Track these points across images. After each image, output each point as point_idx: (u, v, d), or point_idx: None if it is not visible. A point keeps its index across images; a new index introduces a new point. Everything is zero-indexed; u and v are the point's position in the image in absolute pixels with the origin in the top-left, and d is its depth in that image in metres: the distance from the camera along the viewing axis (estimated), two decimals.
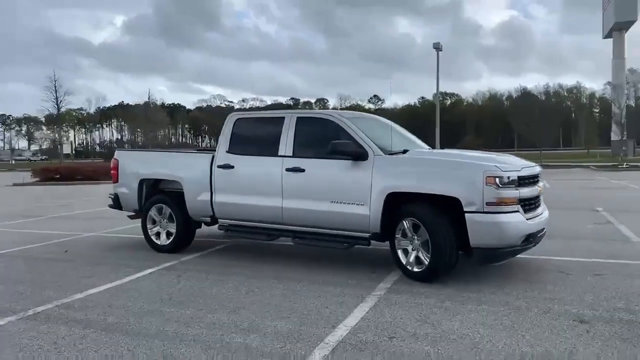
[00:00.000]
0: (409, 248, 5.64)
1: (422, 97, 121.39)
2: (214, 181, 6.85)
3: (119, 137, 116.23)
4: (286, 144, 6.40)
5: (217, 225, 7.19)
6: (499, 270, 5.87)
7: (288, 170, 6.27)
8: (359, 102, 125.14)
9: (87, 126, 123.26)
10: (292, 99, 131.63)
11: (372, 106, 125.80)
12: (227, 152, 6.84)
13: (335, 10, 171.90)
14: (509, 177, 5.25)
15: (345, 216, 5.90)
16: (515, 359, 3.56)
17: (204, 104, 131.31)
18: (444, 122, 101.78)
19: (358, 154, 5.83)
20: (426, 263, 5.44)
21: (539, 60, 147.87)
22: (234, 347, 3.85)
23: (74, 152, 67.75)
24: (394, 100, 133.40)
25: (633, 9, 63.13)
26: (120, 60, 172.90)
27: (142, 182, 7.55)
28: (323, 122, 6.38)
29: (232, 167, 6.72)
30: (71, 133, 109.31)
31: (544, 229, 5.79)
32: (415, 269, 5.55)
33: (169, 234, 7.33)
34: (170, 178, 7.31)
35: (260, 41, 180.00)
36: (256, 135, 6.86)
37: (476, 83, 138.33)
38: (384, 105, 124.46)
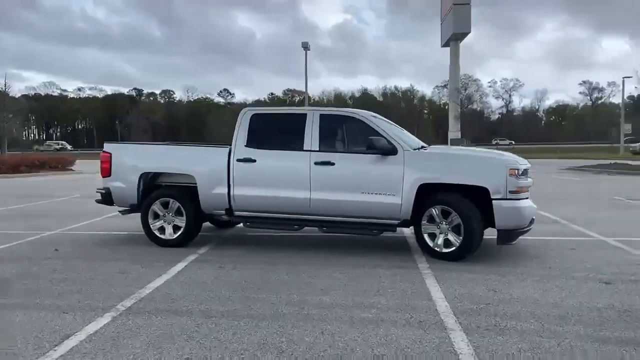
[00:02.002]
0: (437, 232, 6.44)
1: (272, 93, 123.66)
2: (232, 174, 6.99)
3: None
4: (311, 139, 6.81)
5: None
6: (504, 250, 6.92)
7: (317, 163, 6.70)
8: (208, 95, 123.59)
9: None
10: (134, 89, 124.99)
11: (222, 100, 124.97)
12: (245, 146, 7.02)
13: None
14: (522, 169, 6.31)
15: (376, 205, 6.51)
16: (574, 310, 4.52)
17: (32, 92, 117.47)
18: None
19: (390, 150, 6.49)
20: (457, 244, 6.28)
21: (372, 63, 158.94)
22: (360, 321, 4.31)
23: None
24: (240, 95, 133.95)
25: (468, 22, 71.78)
26: None
27: (142, 176, 7.36)
28: (348, 119, 6.93)
29: (254, 160, 6.93)
30: None
31: None
32: (445, 250, 6.37)
33: (176, 228, 7.27)
34: (181, 172, 7.24)
35: (88, 26, 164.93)
36: (276, 130, 7.14)
37: (316, 82, 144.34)
38: (234, 100, 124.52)
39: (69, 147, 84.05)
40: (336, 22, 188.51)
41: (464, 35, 77.84)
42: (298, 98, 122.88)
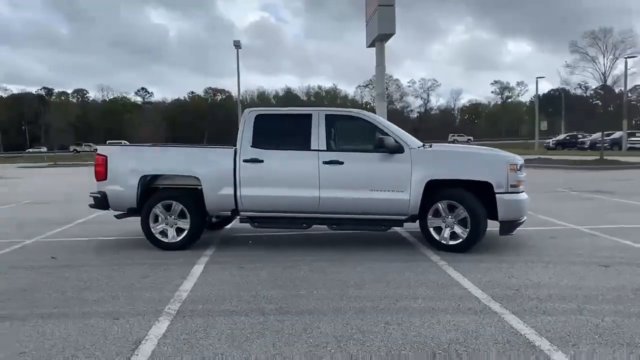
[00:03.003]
0: (442, 226, 6.81)
1: (192, 92, 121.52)
2: (239, 175, 7.01)
3: None
4: (318, 138, 6.97)
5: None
6: (495, 242, 7.40)
7: (325, 163, 6.87)
8: (125, 94, 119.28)
9: None
10: (43, 88, 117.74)
11: (139, 99, 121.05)
12: (252, 146, 7.06)
13: None
14: (520, 165, 6.81)
15: (386, 202, 6.79)
16: (595, 291, 5.04)
17: None
18: (218, 118, 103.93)
19: (397, 148, 6.78)
20: (463, 237, 6.68)
21: (293, 62, 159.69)
22: (416, 311, 4.57)
23: None
24: (159, 94, 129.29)
25: (392, 23, 74.34)
26: None
27: (141, 179, 7.20)
28: (354, 119, 7.16)
29: (262, 161, 6.99)
30: None
31: None
32: (451, 242, 6.75)
33: (179, 231, 7.19)
34: (184, 174, 7.17)
35: None
36: (282, 130, 7.23)
37: (235, 80, 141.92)
38: (152, 99, 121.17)
39: None
40: (254, 20, 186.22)
41: (388, 36, 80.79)
42: (220, 97, 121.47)
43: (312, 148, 6.97)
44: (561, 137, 56.48)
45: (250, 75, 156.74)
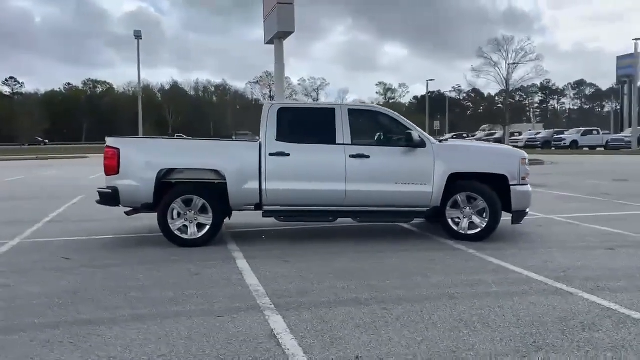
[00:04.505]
0: (461, 216, 7.23)
1: (69, 83, 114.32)
2: (265, 169, 6.92)
3: None
4: (343, 133, 7.08)
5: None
6: (512, 230, 7.98)
7: (352, 156, 7.00)
8: None
9: None
10: None
11: (8, 89, 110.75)
12: (276, 140, 7.00)
13: None
14: (527, 159, 7.42)
15: (410, 194, 7.07)
16: (624, 270, 5.70)
17: None
18: (100, 110, 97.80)
19: (420, 143, 7.09)
20: (482, 226, 7.15)
21: (175, 55, 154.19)
22: (492, 295, 4.92)
23: None
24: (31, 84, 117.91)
25: (292, 21, 75.22)
26: None
27: (159, 173, 6.84)
28: (376, 114, 7.41)
29: (288, 154, 6.95)
30: None
31: None
32: (470, 232, 7.19)
33: (200, 226, 6.93)
34: (206, 167, 6.91)
35: None
36: (306, 124, 7.25)
37: (112, 72, 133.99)
38: (23, 89, 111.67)
39: None
40: (129, 10, 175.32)
41: (288, 34, 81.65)
42: (100, 89, 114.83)
43: (337, 142, 7.06)
44: (448, 136, 60.55)
45: (127, 69, 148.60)
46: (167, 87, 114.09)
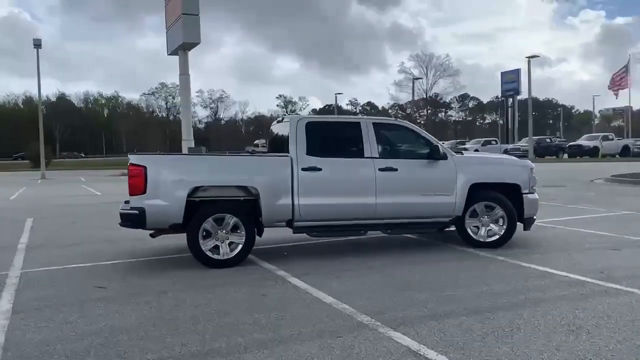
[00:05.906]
0: (479, 225, 7.56)
1: None
2: (297, 184, 6.81)
3: None
4: (370, 146, 7.17)
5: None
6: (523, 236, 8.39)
7: (381, 170, 7.10)
8: None
9: None
10: None
11: None
12: (307, 154, 6.93)
13: None
14: (534, 169, 7.94)
15: (435, 205, 7.30)
16: (630, 269, 6.34)
17: None
18: None
19: (443, 155, 7.35)
20: (500, 234, 7.52)
21: (56, 65, 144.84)
22: (542, 301, 5.24)
23: None
24: None
25: (197, 32, 74.15)
26: None
27: (190, 191, 6.49)
28: (399, 127, 7.59)
29: (320, 169, 6.90)
30: None
31: None
32: (489, 240, 7.54)
33: (231, 246, 6.67)
34: (241, 184, 6.67)
35: None
36: (334, 138, 7.27)
37: None
38: None
39: None
40: (1, 15, 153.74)
41: (193, 45, 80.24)
42: None
43: (365, 155, 7.13)
44: None
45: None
46: (53, 99, 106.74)
